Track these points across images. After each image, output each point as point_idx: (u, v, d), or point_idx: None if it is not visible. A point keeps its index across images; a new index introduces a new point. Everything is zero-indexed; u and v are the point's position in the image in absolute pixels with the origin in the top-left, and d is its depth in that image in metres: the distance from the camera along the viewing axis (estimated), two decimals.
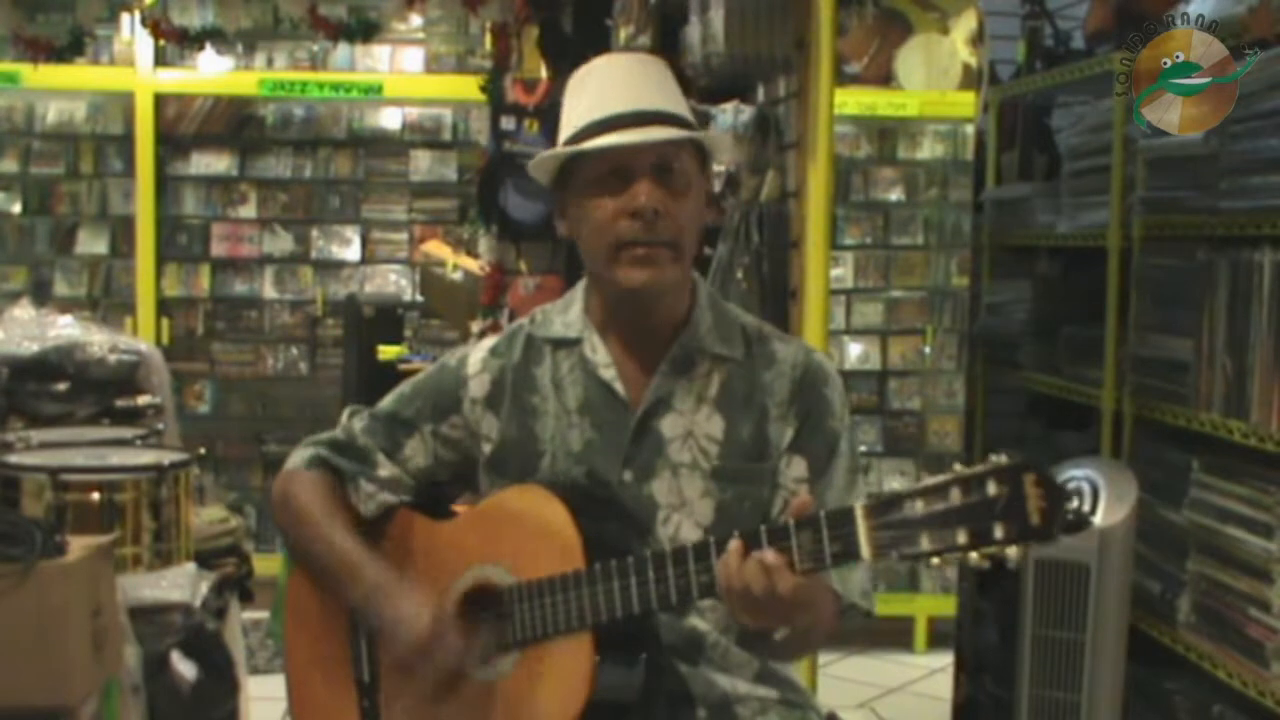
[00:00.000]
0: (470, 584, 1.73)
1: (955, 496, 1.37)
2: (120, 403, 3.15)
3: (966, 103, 4.92)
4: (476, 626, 1.72)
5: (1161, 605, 2.72)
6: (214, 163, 6.21)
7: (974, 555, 1.36)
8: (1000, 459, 1.37)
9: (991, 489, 1.36)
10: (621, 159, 1.69)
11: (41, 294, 5.71)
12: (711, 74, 3.34)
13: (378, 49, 6.08)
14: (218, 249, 6.24)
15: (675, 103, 1.75)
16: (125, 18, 5.76)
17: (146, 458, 2.56)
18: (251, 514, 5.81)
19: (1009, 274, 3.69)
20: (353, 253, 6.29)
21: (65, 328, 3.27)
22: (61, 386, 3.12)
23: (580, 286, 1.86)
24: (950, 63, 5.13)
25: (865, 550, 1.42)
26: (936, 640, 4.99)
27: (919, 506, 1.39)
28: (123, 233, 6.13)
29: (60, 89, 5.98)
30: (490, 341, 1.90)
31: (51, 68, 5.71)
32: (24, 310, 3.36)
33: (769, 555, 1.46)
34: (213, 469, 5.86)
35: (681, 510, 1.75)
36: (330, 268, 6.29)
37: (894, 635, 4.97)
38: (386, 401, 1.91)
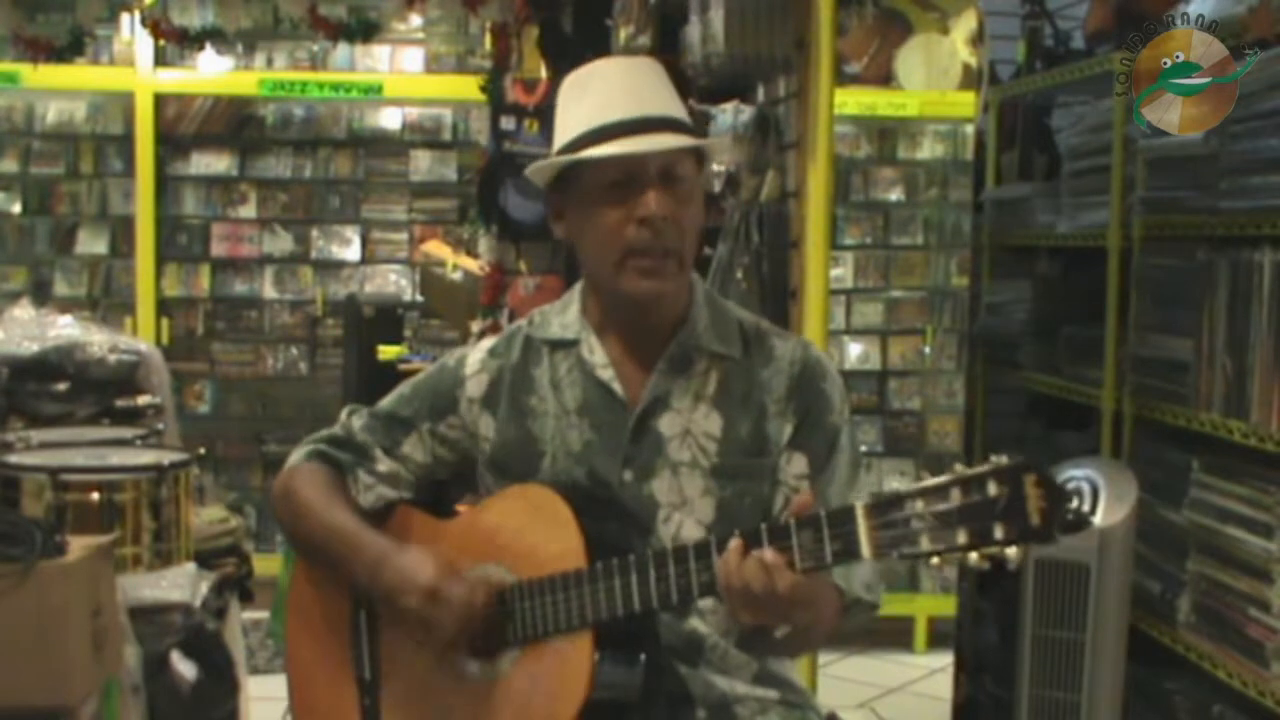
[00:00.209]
0: None
1: (956, 497, 1.38)
2: (120, 403, 3.15)
3: (966, 103, 4.92)
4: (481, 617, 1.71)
5: (1161, 605, 2.72)
6: (214, 163, 6.22)
7: (974, 556, 1.37)
8: (1001, 459, 1.37)
9: (992, 489, 1.36)
10: (629, 167, 1.69)
11: (41, 294, 5.71)
12: (711, 74, 3.34)
13: (378, 49, 6.09)
14: (218, 249, 6.24)
15: (675, 107, 1.76)
16: (125, 18, 5.76)
17: (146, 458, 2.56)
18: (251, 514, 5.81)
19: (1009, 274, 3.69)
20: (353, 253, 6.29)
21: (65, 328, 3.27)
22: (61, 386, 3.12)
23: (577, 288, 1.87)
24: (950, 63, 5.13)
25: (866, 549, 1.43)
26: (936, 640, 4.99)
27: (919, 506, 1.39)
28: (123, 233, 6.13)
29: (60, 89, 5.98)
30: (489, 342, 1.91)
31: (51, 68, 5.72)
32: (24, 310, 3.36)
33: (768, 554, 1.47)
34: (213, 469, 5.87)
35: (683, 509, 1.75)
36: (330, 268, 6.29)
37: (894, 635, 4.97)
38: (386, 401, 1.92)
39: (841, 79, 4.75)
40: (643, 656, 1.64)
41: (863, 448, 5.15)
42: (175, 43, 5.73)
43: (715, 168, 3.15)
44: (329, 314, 6.21)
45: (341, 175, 6.27)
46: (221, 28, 5.85)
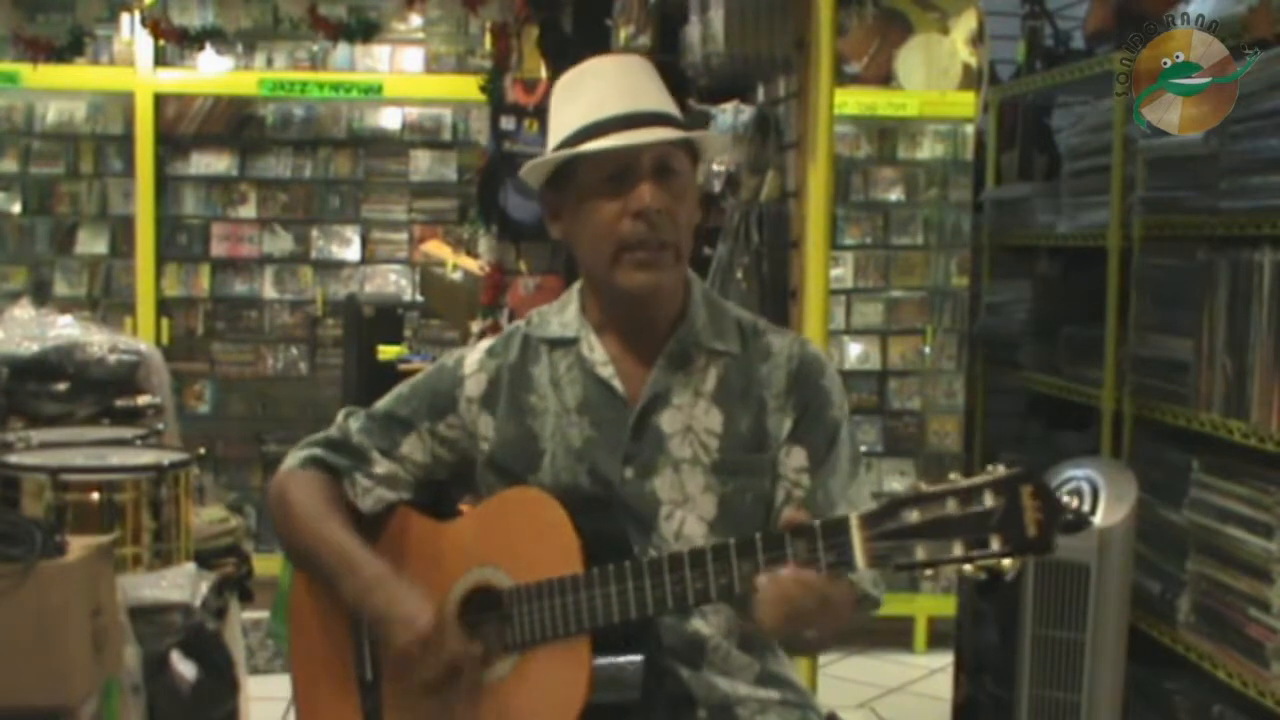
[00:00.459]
0: (470, 586, 1.74)
1: (952, 507, 1.38)
2: (120, 403, 3.15)
3: (966, 103, 4.92)
4: (476, 629, 1.72)
5: (1161, 605, 2.72)
6: (214, 163, 6.22)
7: (969, 567, 1.37)
8: (998, 470, 1.38)
9: (989, 500, 1.36)
10: (624, 160, 1.69)
11: (41, 294, 5.71)
12: (711, 74, 3.34)
13: (378, 49, 6.09)
14: (218, 249, 6.24)
15: (667, 103, 1.77)
16: (125, 18, 5.76)
17: (146, 458, 2.56)
18: (251, 514, 5.80)
19: (1009, 274, 3.69)
20: (353, 253, 6.29)
21: (65, 328, 3.27)
22: (61, 386, 3.13)
23: (576, 288, 1.87)
24: (950, 63, 5.13)
25: (860, 560, 1.43)
26: (936, 640, 4.99)
27: (915, 516, 1.39)
28: (123, 233, 6.13)
29: (60, 89, 5.98)
30: (487, 342, 1.91)
31: (51, 68, 5.72)
32: (24, 310, 3.36)
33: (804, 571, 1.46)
34: (213, 469, 5.87)
35: (684, 505, 1.75)
36: (330, 268, 6.29)
37: (894, 635, 4.97)
38: (383, 401, 1.91)
39: (841, 79, 4.75)
40: (643, 659, 1.63)
41: (862, 448, 5.16)
42: (175, 43, 5.73)
43: (715, 168, 3.15)
44: (329, 314, 6.21)
45: (341, 175, 6.27)
46: (221, 28, 5.86)
